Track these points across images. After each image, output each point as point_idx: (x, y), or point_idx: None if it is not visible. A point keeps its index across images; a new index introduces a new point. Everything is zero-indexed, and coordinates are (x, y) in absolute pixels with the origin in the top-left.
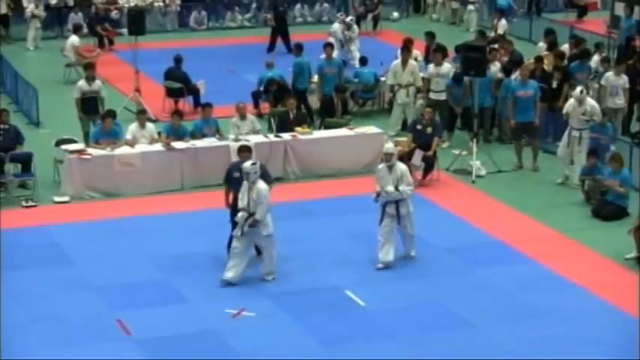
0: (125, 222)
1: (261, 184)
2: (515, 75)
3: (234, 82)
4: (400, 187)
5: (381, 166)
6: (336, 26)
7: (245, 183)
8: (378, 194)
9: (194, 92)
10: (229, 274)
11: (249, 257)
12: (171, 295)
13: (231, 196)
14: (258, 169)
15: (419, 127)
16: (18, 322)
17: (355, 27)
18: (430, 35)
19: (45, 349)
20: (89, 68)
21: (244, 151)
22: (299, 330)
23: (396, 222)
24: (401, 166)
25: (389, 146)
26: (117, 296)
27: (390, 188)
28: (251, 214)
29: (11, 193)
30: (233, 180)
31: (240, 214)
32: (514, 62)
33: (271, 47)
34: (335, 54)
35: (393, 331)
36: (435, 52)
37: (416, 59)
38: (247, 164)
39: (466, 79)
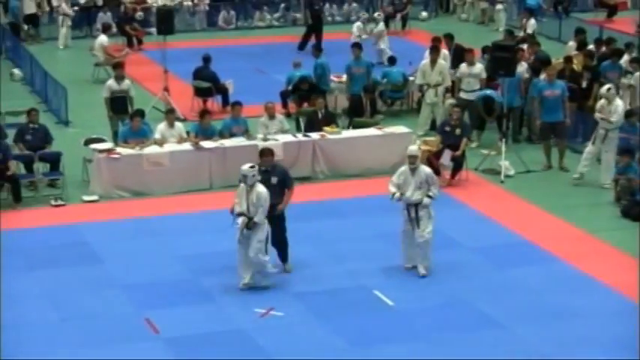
0: (154, 221)
1: (261, 187)
2: (544, 75)
3: (263, 81)
4: (430, 193)
5: (404, 168)
6: (357, 26)
7: (243, 186)
8: (393, 194)
9: (222, 92)
10: (246, 280)
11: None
12: (200, 295)
13: None
14: (256, 172)
15: (447, 128)
16: (48, 321)
17: (382, 24)
18: (449, 37)
19: (74, 348)
20: (118, 67)
21: (266, 154)
22: (327, 330)
23: (416, 226)
24: (425, 170)
25: (413, 148)
26: (145, 295)
27: (409, 194)
28: (251, 218)
29: (40, 192)
30: None
31: (240, 219)
32: (541, 62)
33: (303, 45)
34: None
35: (422, 332)
36: (468, 52)
37: (445, 59)
38: (246, 167)
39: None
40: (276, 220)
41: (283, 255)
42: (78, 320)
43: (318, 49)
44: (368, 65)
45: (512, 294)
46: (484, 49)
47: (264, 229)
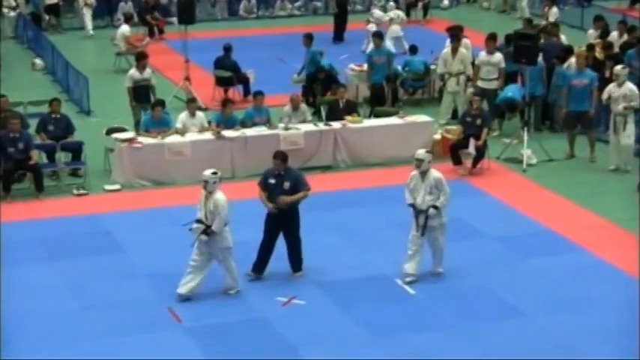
0: (176, 211)
1: (219, 195)
2: (568, 63)
3: (284, 71)
4: (438, 202)
5: (414, 172)
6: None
7: (202, 192)
8: (412, 205)
9: (244, 81)
10: (183, 290)
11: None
12: (221, 284)
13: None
14: (217, 179)
15: (468, 118)
16: (70, 310)
17: (392, 13)
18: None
19: (96, 337)
20: (142, 58)
21: (278, 159)
22: (348, 319)
23: (428, 233)
24: (435, 174)
25: (420, 152)
26: (167, 284)
27: (420, 200)
28: (207, 227)
29: (62, 182)
30: (269, 186)
31: (195, 226)
32: (565, 50)
33: (338, 36)
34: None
35: (444, 321)
36: (488, 40)
37: (466, 48)
38: (208, 172)
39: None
40: (289, 227)
41: (296, 263)
42: (100, 310)
43: (309, 38)
44: (389, 54)
45: (534, 283)
46: (507, 38)
47: (227, 238)
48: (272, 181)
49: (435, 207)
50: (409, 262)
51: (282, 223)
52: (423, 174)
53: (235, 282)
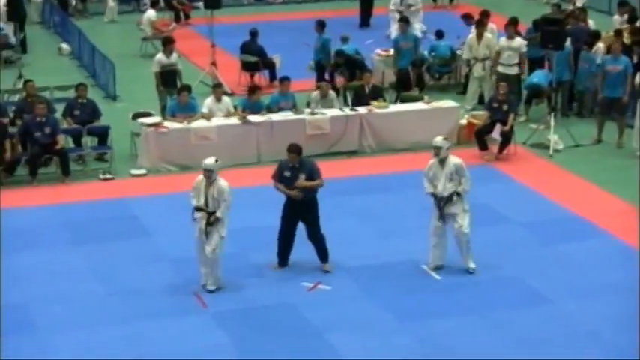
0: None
1: (223, 182)
2: (596, 48)
3: (310, 55)
4: (460, 189)
5: (433, 160)
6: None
7: (201, 179)
8: (433, 194)
9: (270, 66)
10: (211, 286)
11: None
12: (248, 269)
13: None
14: (217, 167)
15: (495, 104)
16: (96, 294)
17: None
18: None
19: (121, 321)
20: (168, 42)
21: (293, 152)
22: (374, 304)
23: (450, 221)
24: (454, 160)
25: (438, 139)
26: (193, 269)
27: (441, 187)
28: (211, 213)
29: (89, 167)
30: (284, 180)
31: (199, 215)
32: (592, 35)
33: (365, 21)
34: (394, 28)
35: (469, 306)
36: (508, 25)
37: (492, 33)
38: (211, 161)
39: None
40: (308, 217)
41: (322, 254)
42: (125, 294)
43: (320, 25)
44: (415, 39)
45: (560, 269)
46: (535, 23)
47: (226, 225)
48: (287, 174)
49: (458, 194)
50: (433, 251)
51: (301, 213)
52: (442, 161)
53: (219, 278)
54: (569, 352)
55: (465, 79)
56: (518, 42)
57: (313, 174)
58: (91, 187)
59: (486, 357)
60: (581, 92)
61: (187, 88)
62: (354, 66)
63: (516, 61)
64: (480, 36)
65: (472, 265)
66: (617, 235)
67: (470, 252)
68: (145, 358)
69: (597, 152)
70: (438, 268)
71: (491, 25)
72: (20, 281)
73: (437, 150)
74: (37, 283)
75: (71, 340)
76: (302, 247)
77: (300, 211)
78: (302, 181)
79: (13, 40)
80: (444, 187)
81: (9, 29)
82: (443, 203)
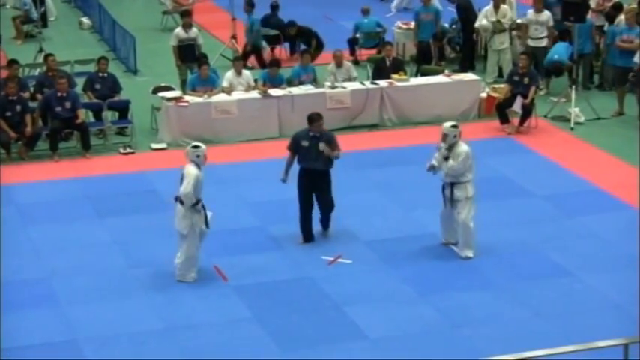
0: (222, 169)
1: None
2: (618, 20)
3: (331, 29)
4: (450, 161)
5: (442, 145)
6: None
7: (199, 171)
8: (432, 167)
9: (290, 39)
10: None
11: None
12: (268, 242)
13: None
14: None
15: (516, 77)
16: (118, 267)
17: None
18: None
19: (143, 293)
20: (186, 15)
21: (317, 120)
22: (395, 278)
23: (455, 207)
24: (461, 148)
25: (446, 125)
26: (214, 242)
27: (435, 162)
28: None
29: (109, 141)
30: (302, 149)
31: (209, 214)
32: (615, 8)
33: None
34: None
35: (491, 280)
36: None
37: (509, 5)
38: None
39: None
40: (323, 188)
41: (326, 222)
42: (147, 267)
43: (249, 5)
44: (436, 12)
45: (582, 242)
46: None
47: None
48: (305, 143)
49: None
50: (445, 233)
51: (317, 182)
52: (450, 148)
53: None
54: (589, 324)
55: (485, 51)
56: (546, 15)
57: (332, 144)
58: (111, 161)
59: (506, 329)
60: (603, 64)
61: (205, 59)
62: (308, 37)
63: (545, 34)
64: (496, 7)
65: (469, 254)
66: (638, 208)
67: (469, 241)
68: (166, 330)
69: (619, 125)
70: (450, 244)
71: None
72: (41, 255)
73: (444, 136)
74: (58, 257)
75: (93, 312)
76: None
77: (316, 180)
78: (325, 146)
79: (34, 14)
80: (447, 174)
81: (31, 3)
82: (449, 190)
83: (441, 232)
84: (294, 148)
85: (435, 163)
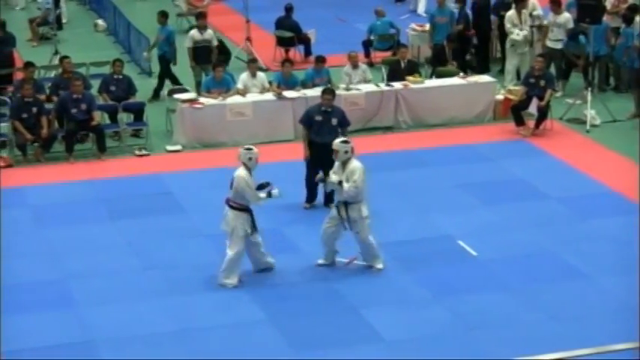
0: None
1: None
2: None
3: (345, 30)
4: (344, 184)
5: (337, 162)
6: None
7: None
8: (323, 180)
9: (305, 41)
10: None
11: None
12: (284, 244)
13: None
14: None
15: (532, 80)
16: (132, 269)
17: None
18: None
19: (157, 295)
20: (201, 17)
21: (327, 93)
22: (410, 279)
23: (345, 226)
24: (352, 165)
25: (337, 141)
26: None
27: (334, 178)
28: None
29: (124, 142)
30: (315, 124)
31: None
32: (632, 9)
33: None
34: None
35: (506, 282)
36: (553, 2)
37: (531, 14)
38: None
39: None
40: (331, 161)
41: (329, 198)
42: (161, 269)
43: (163, 16)
44: (451, 14)
45: (597, 244)
46: None
47: None
48: (318, 118)
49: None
50: (323, 251)
51: (325, 158)
52: (344, 164)
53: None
54: (604, 328)
55: (502, 53)
56: (565, 17)
57: (343, 122)
58: (126, 163)
59: (521, 332)
60: (619, 67)
61: (228, 56)
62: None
63: (563, 36)
64: (519, 12)
65: (379, 265)
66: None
67: (375, 254)
68: (181, 331)
69: (635, 127)
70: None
71: (533, 1)
72: (56, 257)
73: (335, 153)
74: (73, 259)
75: (108, 314)
76: None
77: (326, 154)
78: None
79: (50, 16)
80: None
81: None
82: (343, 209)
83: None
84: (308, 122)
85: (333, 178)
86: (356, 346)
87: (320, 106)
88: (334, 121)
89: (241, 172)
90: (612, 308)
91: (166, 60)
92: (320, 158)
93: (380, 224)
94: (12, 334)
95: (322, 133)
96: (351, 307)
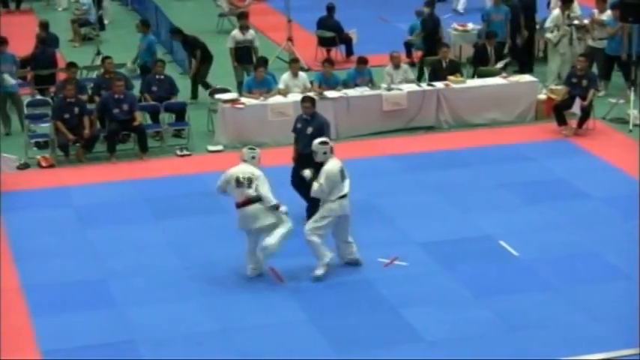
0: (278, 171)
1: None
2: None
3: (386, 30)
4: (314, 184)
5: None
6: None
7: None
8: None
9: (346, 41)
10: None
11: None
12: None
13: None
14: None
15: (574, 79)
16: (175, 268)
17: None
18: None
19: (199, 295)
20: (243, 18)
21: (305, 102)
22: (451, 280)
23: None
24: (327, 165)
25: (315, 142)
26: None
27: (307, 173)
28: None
29: (166, 142)
30: (297, 130)
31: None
32: None
33: None
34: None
35: (548, 282)
36: (599, 1)
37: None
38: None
39: None
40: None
41: (311, 208)
42: (203, 268)
43: (145, 25)
44: (507, 13)
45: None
46: None
47: None
48: (299, 125)
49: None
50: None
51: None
52: (322, 164)
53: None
54: None
55: (544, 53)
56: (607, 15)
57: (323, 129)
58: (168, 163)
59: (563, 332)
60: None
61: (264, 62)
62: (193, 47)
63: (605, 35)
64: (564, 13)
65: (318, 272)
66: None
67: (318, 256)
68: (222, 331)
69: None
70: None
71: (575, 3)
72: (99, 256)
73: (314, 154)
74: (115, 258)
75: (150, 314)
76: (376, 224)
77: (304, 165)
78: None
79: (92, 16)
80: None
81: (90, 4)
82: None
83: (321, 252)
84: (293, 128)
85: (307, 173)
86: (396, 347)
87: (302, 115)
88: (309, 130)
89: (258, 171)
90: None
91: (148, 70)
92: (300, 165)
93: (421, 224)
94: (53, 333)
95: (301, 141)
96: (392, 307)
